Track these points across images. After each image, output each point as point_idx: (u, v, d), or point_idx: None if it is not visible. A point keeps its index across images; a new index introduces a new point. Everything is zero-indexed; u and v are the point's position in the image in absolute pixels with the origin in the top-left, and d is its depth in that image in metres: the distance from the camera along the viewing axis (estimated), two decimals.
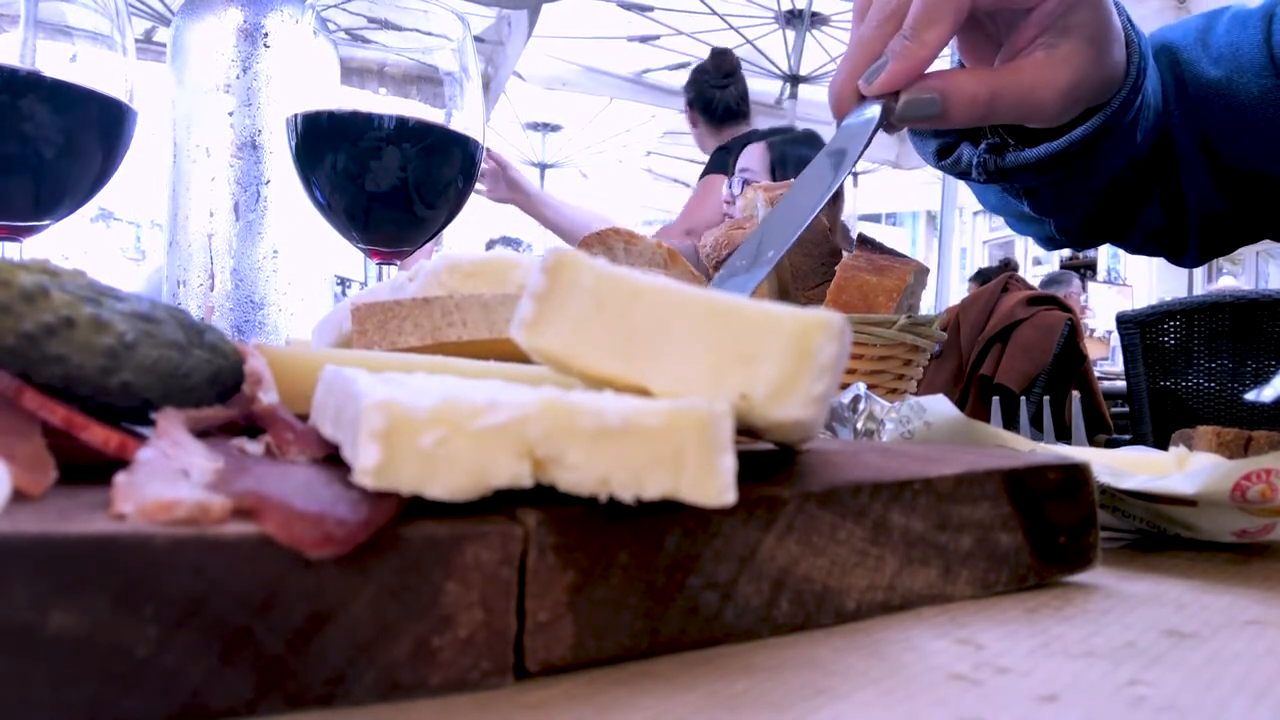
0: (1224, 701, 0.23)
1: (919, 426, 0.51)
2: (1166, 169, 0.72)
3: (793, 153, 2.14)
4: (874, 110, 0.53)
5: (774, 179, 2.08)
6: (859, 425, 0.57)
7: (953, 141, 0.66)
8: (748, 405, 0.25)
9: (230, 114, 0.84)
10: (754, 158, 2.14)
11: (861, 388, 0.59)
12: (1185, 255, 0.79)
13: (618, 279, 0.27)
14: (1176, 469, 0.45)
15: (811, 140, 2.22)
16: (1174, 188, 0.72)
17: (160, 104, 0.86)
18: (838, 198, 2.19)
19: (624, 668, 0.24)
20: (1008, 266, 4.52)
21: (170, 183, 0.86)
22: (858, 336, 0.85)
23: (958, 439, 0.49)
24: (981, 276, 4.38)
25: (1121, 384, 2.87)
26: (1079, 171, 0.62)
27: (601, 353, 0.27)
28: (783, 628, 0.28)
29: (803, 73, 6.17)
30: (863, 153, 0.53)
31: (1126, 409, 2.48)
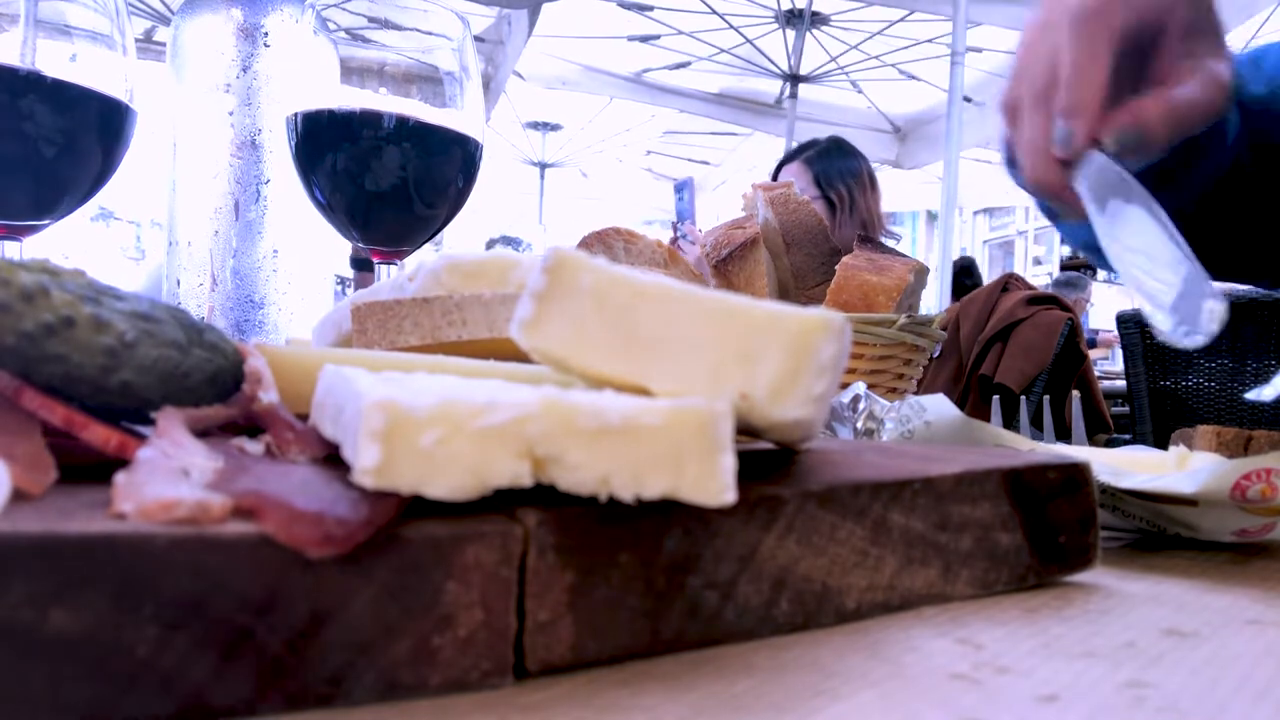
0: (1224, 701, 0.23)
1: (919, 426, 0.51)
2: (1253, 184, 0.72)
3: (834, 166, 2.16)
4: (1101, 157, 0.53)
5: (820, 191, 2.10)
6: (859, 425, 0.57)
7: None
8: (748, 405, 0.25)
9: (230, 114, 0.84)
10: (796, 175, 2.15)
11: (861, 387, 0.59)
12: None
13: (618, 279, 0.27)
14: (1176, 468, 0.45)
15: (841, 147, 2.24)
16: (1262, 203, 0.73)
17: (160, 104, 0.86)
18: (875, 186, 2.21)
19: (624, 668, 0.24)
20: (969, 266, 4.50)
21: (170, 182, 0.86)
22: (858, 336, 0.85)
23: (958, 438, 0.49)
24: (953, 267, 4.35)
25: (1121, 384, 2.87)
26: (1179, 182, 0.62)
27: (601, 352, 0.27)
28: (783, 628, 0.28)
29: (803, 72, 6.17)
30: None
31: (1126, 409, 2.48)
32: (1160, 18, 0.54)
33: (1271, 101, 0.70)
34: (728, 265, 0.97)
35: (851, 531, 0.29)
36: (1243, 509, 0.37)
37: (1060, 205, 0.56)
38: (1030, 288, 2.69)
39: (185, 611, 0.20)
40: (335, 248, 0.86)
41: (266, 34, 0.85)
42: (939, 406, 0.51)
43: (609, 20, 5.71)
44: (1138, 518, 0.41)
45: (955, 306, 2.82)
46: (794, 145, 2.99)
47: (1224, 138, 0.63)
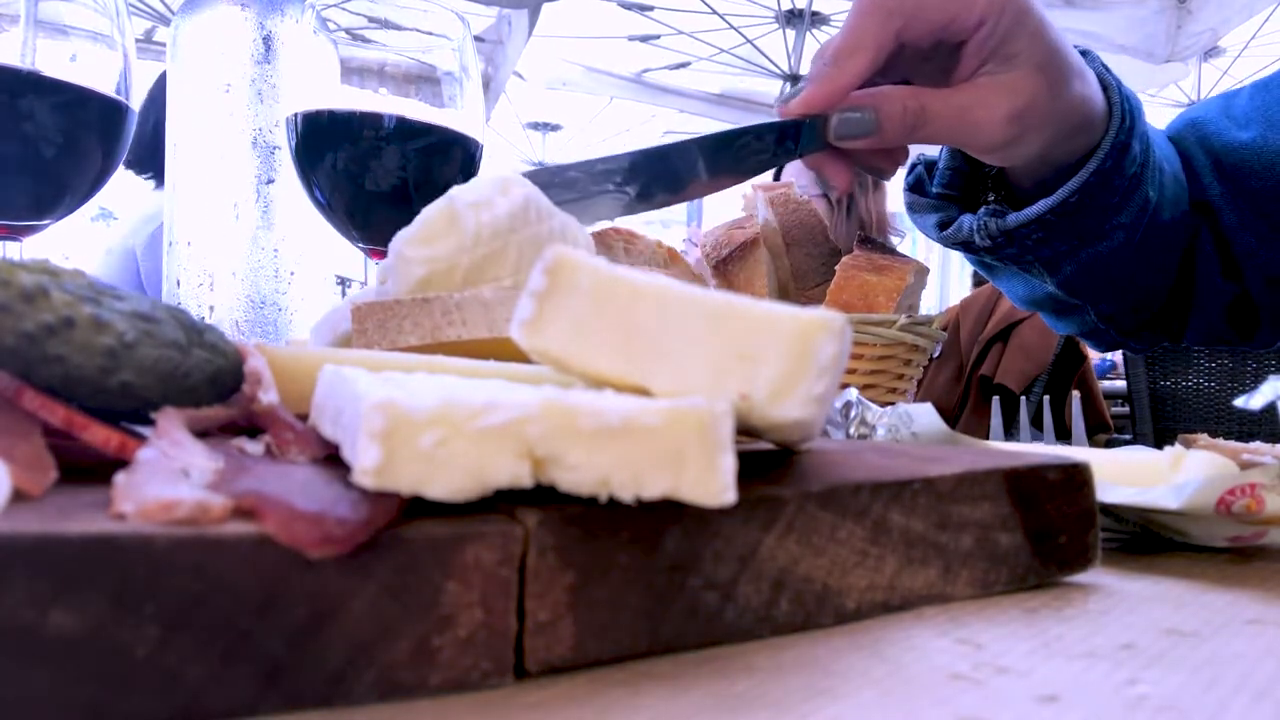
0: (1224, 701, 0.23)
1: (906, 436, 0.51)
2: (1218, 246, 0.71)
3: None
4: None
5: (821, 189, 2.10)
6: (851, 431, 0.57)
7: (953, 215, 0.66)
8: (748, 405, 0.25)
9: (230, 114, 0.84)
10: (798, 174, 2.15)
11: (853, 393, 0.59)
12: (1257, 331, 0.76)
13: (618, 279, 0.27)
14: (1170, 470, 0.45)
15: None
16: (1232, 263, 0.71)
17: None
18: (878, 185, 2.21)
19: (624, 668, 0.24)
20: None
21: (170, 183, 0.86)
22: (858, 336, 0.85)
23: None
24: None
25: (1121, 384, 2.86)
26: (1090, 232, 0.61)
27: (601, 353, 0.27)
28: (783, 628, 0.28)
29: (803, 72, 6.17)
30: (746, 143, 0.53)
31: (1126, 409, 2.48)
32: (954, 29, 0.53)
33: (1263, 146, 0.68)
34: (728, 265, 0.97)
35: (851, 531, 0.29)
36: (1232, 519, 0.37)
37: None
38: None
39: (185, 612, 0.20)
40: (335, 248, 0.86)
41: (267, 34, 0.85)
42: (926, 417, 0.51)
43: (609, 20, 5.72)
44: (1131, 522, 0.41)
45: (955, 307, 2.82)
46: None
47: (1136, 180, 0.61)
